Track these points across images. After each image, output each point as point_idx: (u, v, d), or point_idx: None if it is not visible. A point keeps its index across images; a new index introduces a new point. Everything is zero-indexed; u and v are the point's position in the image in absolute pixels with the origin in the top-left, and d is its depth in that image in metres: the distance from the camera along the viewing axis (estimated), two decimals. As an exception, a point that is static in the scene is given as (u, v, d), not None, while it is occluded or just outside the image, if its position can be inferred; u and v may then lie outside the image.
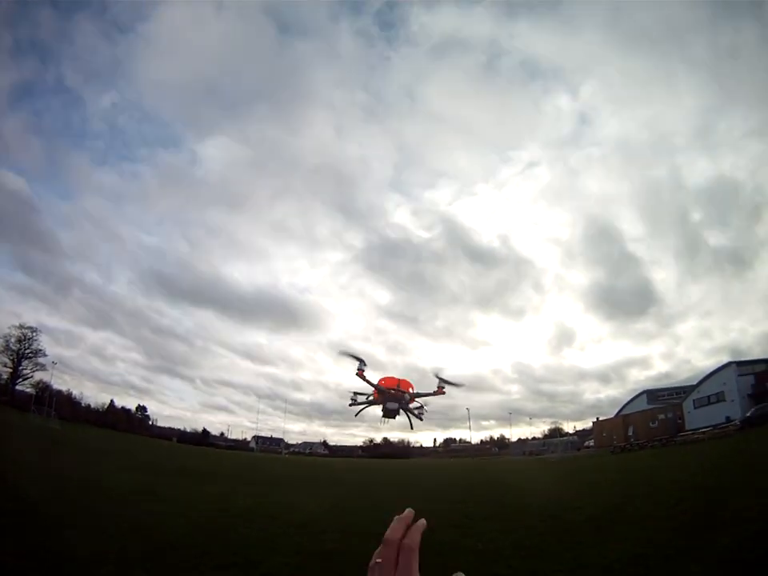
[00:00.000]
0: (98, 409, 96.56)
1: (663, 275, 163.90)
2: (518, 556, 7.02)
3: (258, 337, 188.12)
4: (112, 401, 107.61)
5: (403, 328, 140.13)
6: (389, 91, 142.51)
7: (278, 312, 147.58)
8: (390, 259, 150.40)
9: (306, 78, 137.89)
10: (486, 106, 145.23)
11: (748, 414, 40.75)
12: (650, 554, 6.51)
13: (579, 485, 19.40)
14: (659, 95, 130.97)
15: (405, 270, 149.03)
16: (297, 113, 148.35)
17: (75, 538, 6.87)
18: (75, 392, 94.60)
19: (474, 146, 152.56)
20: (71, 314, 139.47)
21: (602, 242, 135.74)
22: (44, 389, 72.24)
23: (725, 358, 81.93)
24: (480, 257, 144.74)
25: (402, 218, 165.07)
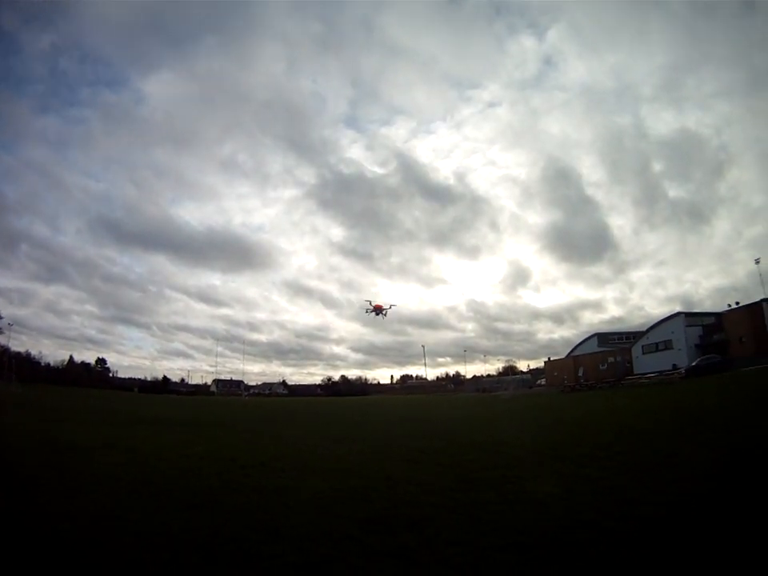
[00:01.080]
0: (57, 367, 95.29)
1: (620, 222, 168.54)
2: (461, 489, 7.46)
3: (212, 278, 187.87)
4: (71, 357, 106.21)
5: (357, 265, 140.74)
6: (344, 21, 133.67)
7: (231, 252, 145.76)
8: (344, 195, 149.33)
9: (258, 8, 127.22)
10: (446, 40, 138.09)
11: (693, 364, 43.44)
12: (584, 490, 7.02)
13: (526, 422, 20.74)
14: (629, 44, 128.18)
15: (358, 206, 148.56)
16: (247, 45, 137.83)
17: (45, 495, 6.89)
18: (33, 352, 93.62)
19: (432, 83, 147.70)
20: (21, 271, 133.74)
21: (561, 184, 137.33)
22: (2, 352, 70.26)
23: (677, 308, 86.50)
24: (435, 194, 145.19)
25: (356, 153, 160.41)
